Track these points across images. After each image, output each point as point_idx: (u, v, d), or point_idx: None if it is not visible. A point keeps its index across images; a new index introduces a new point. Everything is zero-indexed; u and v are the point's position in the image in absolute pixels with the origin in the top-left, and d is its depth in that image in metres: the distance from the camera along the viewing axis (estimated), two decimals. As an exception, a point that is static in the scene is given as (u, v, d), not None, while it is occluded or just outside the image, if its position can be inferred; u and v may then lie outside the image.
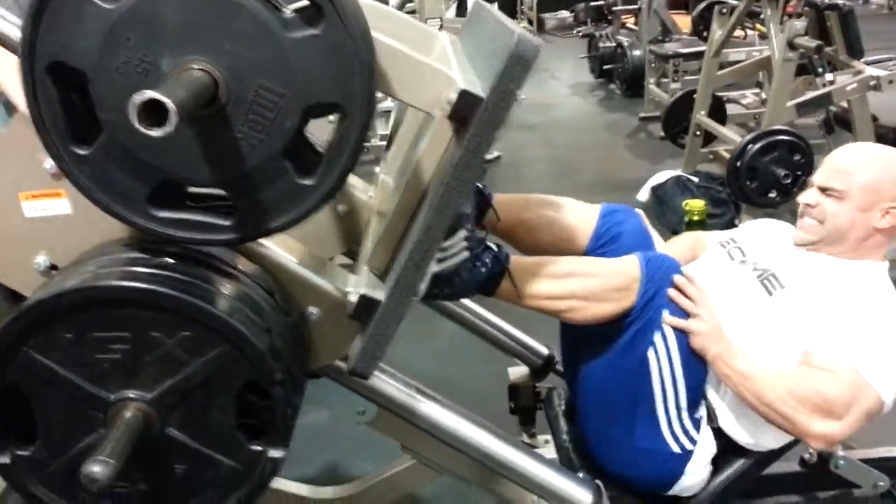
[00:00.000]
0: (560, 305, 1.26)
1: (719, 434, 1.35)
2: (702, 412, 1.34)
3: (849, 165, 1.37)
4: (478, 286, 1.22)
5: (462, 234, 1.17)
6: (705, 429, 1.35)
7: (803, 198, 1.41)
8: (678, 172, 3.62)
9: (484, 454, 1.22)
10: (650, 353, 1.27)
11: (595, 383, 1.38)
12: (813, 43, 3.22)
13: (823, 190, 1.38)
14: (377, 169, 1.40)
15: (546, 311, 1.28)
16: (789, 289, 1.34)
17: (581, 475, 1.33)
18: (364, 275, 1.02)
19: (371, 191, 1.30)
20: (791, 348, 1.27)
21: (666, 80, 5.28)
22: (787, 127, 3.11)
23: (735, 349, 1.27)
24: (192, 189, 0.87)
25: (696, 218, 3.17)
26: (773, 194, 3.11)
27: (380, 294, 0.96)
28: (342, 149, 0.82)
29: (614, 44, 6.24)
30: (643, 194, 3.67)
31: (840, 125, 3.73)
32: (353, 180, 1.25)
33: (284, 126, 0.79)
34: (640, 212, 1.56)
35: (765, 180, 3.09)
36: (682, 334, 1.27)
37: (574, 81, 7.03)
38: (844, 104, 3.33)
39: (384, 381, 1.21)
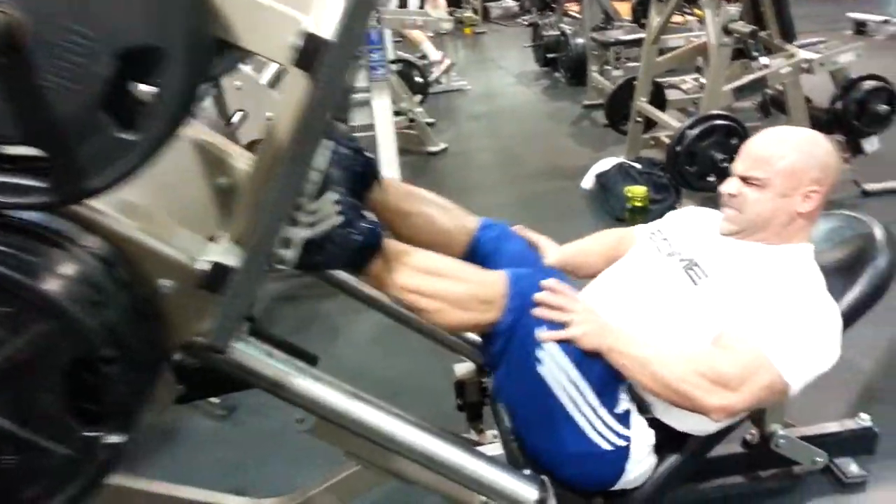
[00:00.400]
0: (423, 303, 1.23)
1: (656, 424, 1.34)
2: (626, 406, 1.31)
3: (767, 152, 1.35)
4: (351, 255, 1.17)
5: (332, 196, 1.12)
6: (637, 421, 1.32)
7: (725, 188, 1.40)
8: (621, 159, 3.65)
9: (425, 456, 1.18)
10: (541, 370, 1.23)
11: (510, 396, 1.36)
12: (747, 28, 3.27)
13: (744, 179, 1.37)
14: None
15: (410, 305, 1.25)
16: (713, 277, 1.33)
17: (527, 472, 1.31)
18: (222, 243, 0.97)
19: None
20: (712, 336, 1.26)
21: (608, 67, 5.32)
22: (724, 111, 3.15)
23: (625, 336, 1.24)
24: (9, 150, 0.79)
25: (638, 204, 3.21)
26: (711, 178, 3.14)
27: (233, 260, 0.92)
28: (167, 98, 0.75)
29: (558, 32, 6.26)
30: (587, 182, 3.69)
31: (776, 108, 3.81)
32: (235, 150, 1.19)
33: (97, 73, 0.72)
34: (522, 229, 1.57)
35: (703, 165, 3.13)
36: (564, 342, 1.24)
37: (519, 70, 7.04)
38: (780, 87, 3.40)
39: (316, 387, 1.16)
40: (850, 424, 1.76)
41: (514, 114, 5.67)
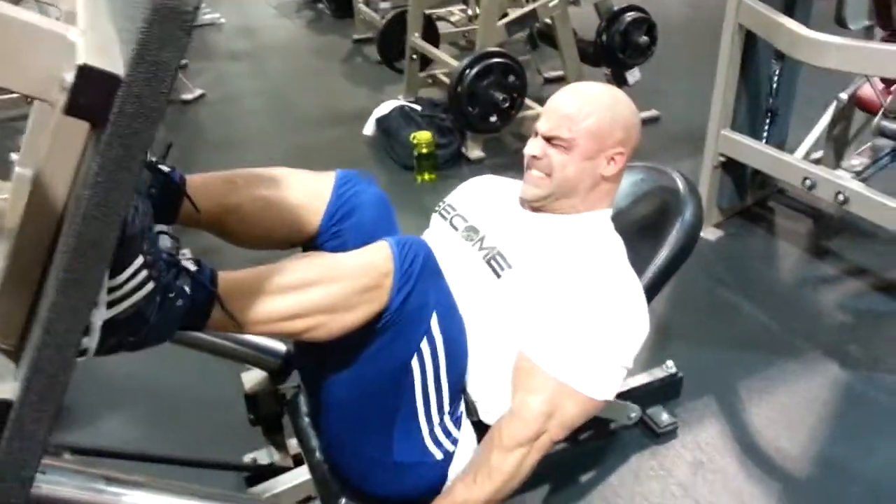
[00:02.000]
0: (298, 325, 0.99)
1: (480, 426, 1.21)
2: (462, 408, 1.20)
3: (572, 111, 1.24)
4: (178, 322, 0.92)
5: (139, 261, 0.83)
6: (465, 424, 1.20)
7: (529, 149, 1.27)
8: (401, 102, 3.43)
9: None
10: (413, 362, 1.07)
11: (341, 400, 1.14)
12: (514, -42, 3.17)
13: (549, 139, 1.25)
14: (13, 155, 0.96)
15: (280, 334, 1.02)
16: (516, 268, 1.20)
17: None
18: None
19: (6, 189, 0.89)
20: (513, 345, 1.16)
21: (374, -2, 5.01)
22: (499, 49, 3.04)
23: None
24: None
25: (424, 151, 3.03)
26: (493, 119, 3.06)
27: (9, 389, 0.66)
28: None
29: (315, -41, 5.78)
30: (369, 128, 3.44)
31: (543, 41, 3.81)
32: None
33: None
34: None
35: (485, 105, 3.02)
36: (449, 329, 1.09)
37: (278, 1, 6.47)
38: (548, 20, 3.36)
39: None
40: (659, 373, 1.78)
41: (278, 51, 5.18)
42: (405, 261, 1.03)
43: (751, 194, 2.73)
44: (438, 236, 1.34)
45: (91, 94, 0.55)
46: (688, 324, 2.15)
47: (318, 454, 1.30)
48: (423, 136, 3.02)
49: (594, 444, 1.74)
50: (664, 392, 1.79)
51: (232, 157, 3.34)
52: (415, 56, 3.73)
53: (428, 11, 3.90)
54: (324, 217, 1.23)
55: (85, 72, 0.54)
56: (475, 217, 1.32)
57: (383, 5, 4.80)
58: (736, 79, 2.37)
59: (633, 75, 3.46)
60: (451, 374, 1.13)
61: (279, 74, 4.71)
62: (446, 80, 3.37)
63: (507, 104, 3.02)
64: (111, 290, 0.81)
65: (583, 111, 1.23)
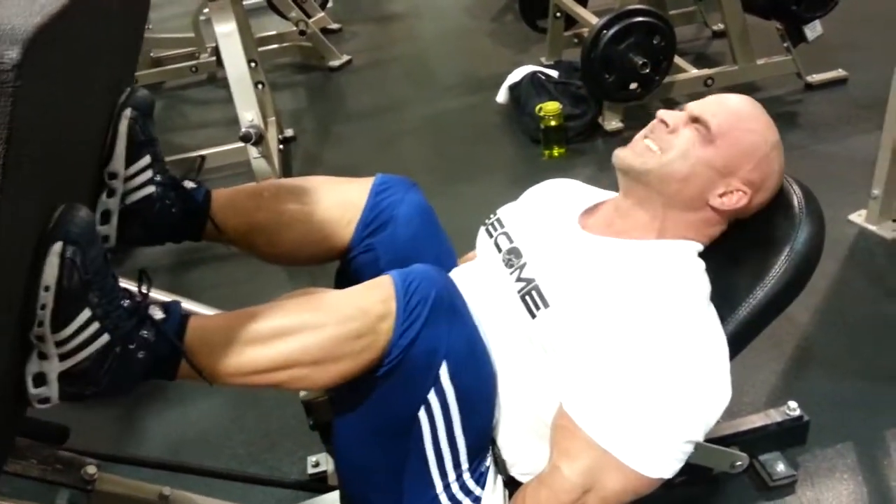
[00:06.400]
0: (276, 378, 0.91)
1: (514, 484, 1.05)
2: (487, 463, 1.04)
3: (743, 113, 1.06)
4: (140, 376, 0.87)
5: (86, 314, 0.80)
6: (493, 482, 1.04)
7: (664, 113, 1.07)
8: (533, 68, 3.18)
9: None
10: (421, 413, 0.94)
11: (349, 442, 1.05)
12: None
13: (694, 120, 1.05)
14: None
15: (258, 387, 0.93)
16: (554, 307, 0.99)
17: None
18: None
19: None
20: (548, 398, 0.98)
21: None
22: (643, 6, 2.68)
23: None
24: None
25: (552, 123, 2.78)
26: (634, 86, 2.73)
27: None
28: None
29: None
30: (501, 95, 3.23)
31: (710, -10, 3.33)
32: None
33: None
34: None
35: (623, 71, 2.69)
36: (464, 379, 0.95)
37: (439, -43, 6.33)
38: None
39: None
40: (776, 416, 1.47)
41: (431, 11, 5.06)
42: (410, 302, 0.90)
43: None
44: (481, 258, 1.18)
45: None
46: (836, 349, 1.75)
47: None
48: (550, 107, 2.77)
49: (692, 490, 1.49)
50: (783, 438, 1.48)
51: (367, 128, 3.31)
52: (559, 14, 3.44)
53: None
54: (356, 229, 1.15)
55: None
56: (522, 237, 1.12)
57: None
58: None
59: (812, 29, 2.90)
60: (469, 429, 0.98)
61: (427, 37, 4.60)
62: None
63: (648, 70, 2.67)
64: (59, 343, 0.80)
65: (752, 123, 1.06)
